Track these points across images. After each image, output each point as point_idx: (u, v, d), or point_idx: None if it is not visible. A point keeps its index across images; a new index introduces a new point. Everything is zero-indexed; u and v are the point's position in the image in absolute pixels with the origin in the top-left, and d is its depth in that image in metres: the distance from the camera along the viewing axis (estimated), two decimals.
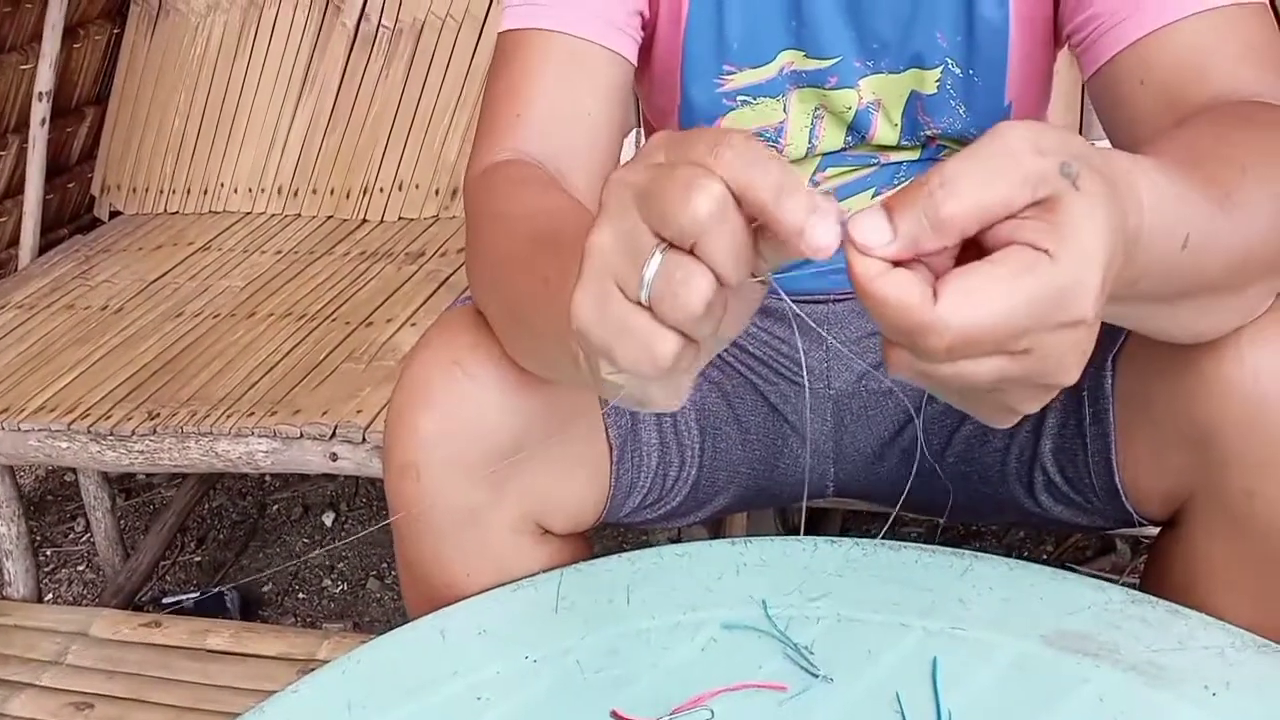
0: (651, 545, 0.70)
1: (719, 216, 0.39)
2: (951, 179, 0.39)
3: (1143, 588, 0.71)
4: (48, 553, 1.76)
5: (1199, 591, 0.63)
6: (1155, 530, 0.72)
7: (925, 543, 0.67)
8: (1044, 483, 0.73)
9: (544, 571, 0.68)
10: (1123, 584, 0.63)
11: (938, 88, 0.74)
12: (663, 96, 0.78)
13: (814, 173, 0.80)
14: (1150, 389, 0.64)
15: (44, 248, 1.77)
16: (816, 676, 0.58)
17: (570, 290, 0.43)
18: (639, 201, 0.41)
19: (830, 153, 0.79)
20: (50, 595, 1.67)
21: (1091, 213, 0.39)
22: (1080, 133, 1.47)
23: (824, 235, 0.38)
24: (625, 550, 0.71)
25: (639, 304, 0.41)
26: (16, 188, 1.79)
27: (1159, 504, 0.67)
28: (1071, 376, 0.40)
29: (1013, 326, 0.38)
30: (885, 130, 0.77)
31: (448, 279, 1.52)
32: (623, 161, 1.90)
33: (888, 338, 0.41)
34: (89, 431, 1.26)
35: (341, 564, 1.69)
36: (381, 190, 1.75)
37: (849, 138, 0.78)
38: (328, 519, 1.79)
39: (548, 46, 0.70)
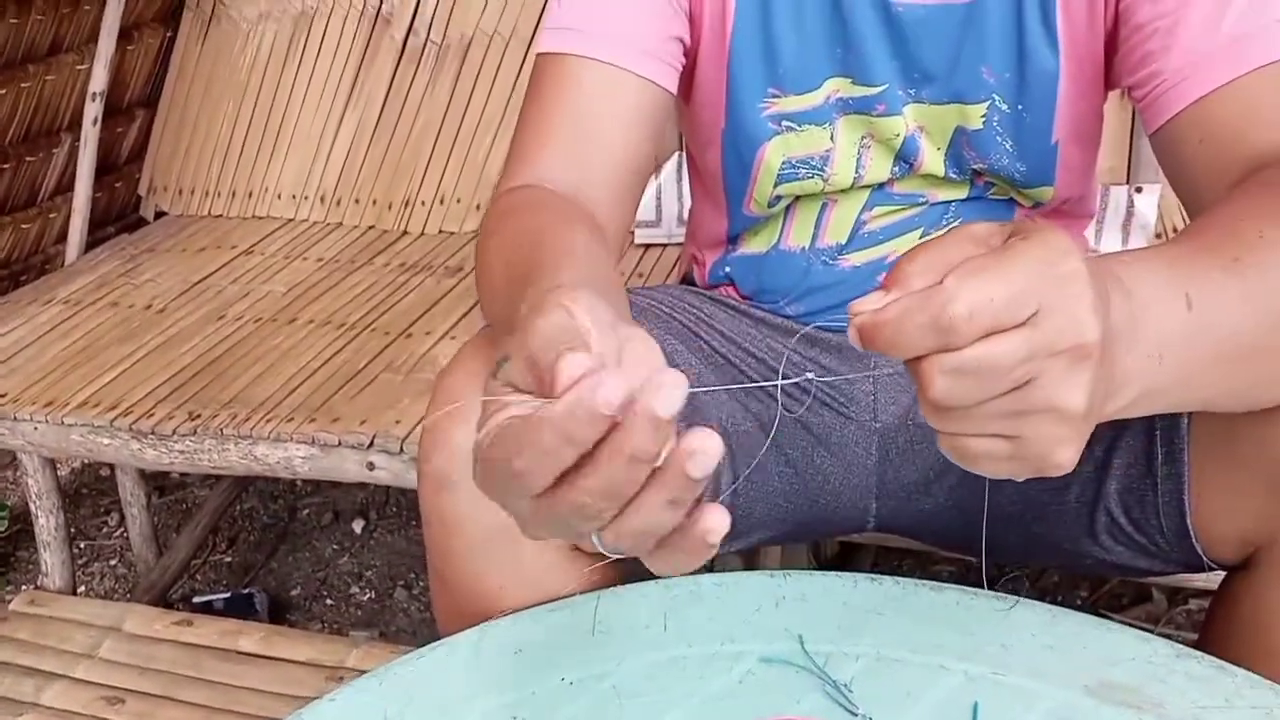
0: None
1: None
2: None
3: (1205, 631, 0.70)
4: (81, 545, 1.78)
5: (1269, 637, 0.63)
6: (1200, 580, 0.71)
7: (958, 583, 0.67)
8: (1106, 523, 0.72)
9: (579, 593, 0.68)
10: (1158, 634, 0.62)
11: (983, 124, 0.74)
12: (707, 120, 0.79)
13: (860, 211, 0.80)
14: (1233, 431, 0.63)
15: (91, 245, 1.80)
16: (855, 715, 0.57)
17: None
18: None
19: (878, 187, 0.79)
20: (82, 588, 1.69)
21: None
22: (1129, 176, 1.43)
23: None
24: (656, 578, 0.70)
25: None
26: (67, 185, 1.82)
27: (1232, 547, 0.66)
28: (1074, 401, 0.41)
29: (1017, 284, 0.40)
30: (933, 158, 0.77)
31: None
32: (663, 182, 1.84)
33: (912, 365, 0.42)
34: (131, 429, 1.28)
35: (370, 572, 1.70)
36: (423, 203, 1.76)
37: (896, 167, 0.78)
38: (357, 526, 1.80)
39: (579, 73, 0.71)
